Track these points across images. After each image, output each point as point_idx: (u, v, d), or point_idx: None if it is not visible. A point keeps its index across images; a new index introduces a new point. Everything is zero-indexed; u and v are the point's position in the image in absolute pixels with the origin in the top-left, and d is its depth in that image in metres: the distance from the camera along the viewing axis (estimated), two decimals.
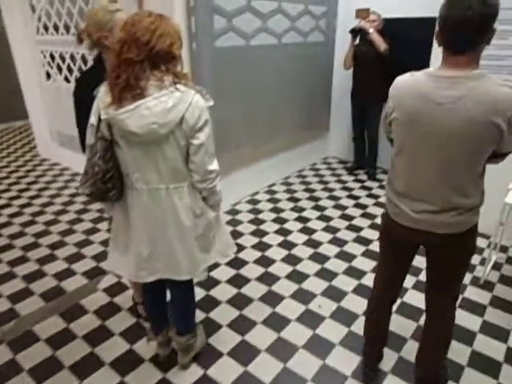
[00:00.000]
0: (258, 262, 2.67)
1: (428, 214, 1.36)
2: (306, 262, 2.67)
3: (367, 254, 2.75)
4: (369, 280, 2.46)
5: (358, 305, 2.25)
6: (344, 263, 2.65)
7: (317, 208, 3.45)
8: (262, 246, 2.85)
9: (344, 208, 3.45)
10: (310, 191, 3.79)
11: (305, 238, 2.97)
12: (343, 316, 2.17)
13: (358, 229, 3.09)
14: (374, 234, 3.00)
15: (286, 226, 3.15)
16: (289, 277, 2.51)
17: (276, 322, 2.13)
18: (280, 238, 2.95)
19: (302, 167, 4.38)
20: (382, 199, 3.61)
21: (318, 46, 3.93)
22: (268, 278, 2.50)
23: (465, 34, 1.16)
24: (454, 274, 1.49)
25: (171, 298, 1.77)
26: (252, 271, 2.56)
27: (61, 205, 3.55)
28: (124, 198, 1.50)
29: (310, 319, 2.15)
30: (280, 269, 2.59)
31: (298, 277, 2.51)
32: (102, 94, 1.33)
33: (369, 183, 3.99)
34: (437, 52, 2.86)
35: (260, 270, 2.58)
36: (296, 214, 3.33)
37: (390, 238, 1.54)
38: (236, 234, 3.00)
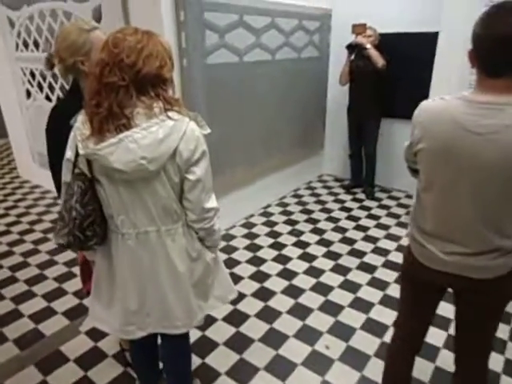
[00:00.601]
0: (256, 294, 2.46)
1: (460, 257, 1.18)
2: (308, 293, 2.47)
3: (373, 283, 2.57)
4: (377, 314, 2.27)
5: (368, 344, 2.05)
6: (349, 294, 2.45)
7: (316, 231, 3.26)
8: (260, 276, 2.64)
9: (344, 230, 3.27)
10: (307, 212, 3.61)
11: (305, 265, 2.77)
12: (353, 358, 1.97)
13: (360, 254, 2.91)
14: (377, 260, 2.82)
15: (285, 252, 2.95)
16: (291, 312, 2.30)
17: (280, 368, 1.92)
18: (279, 267, 2.75)
19: (298, 186, 4.21)
20: (383, 220, 3.45)
21: (312, 61, 3.80)
22: (268, 314, 2.28)
23: (506, 55, 1.00)
24: (488, 323, 1.31)
25: (164, 353, 1.55)
26: (251, 306, 2.35)
27: (41, 232, 3.30)
28: (107, 243, 1.29)
29: (318, 363, 1.94)
30: (281, 302, 2.38)
31: (300, 312, 2.30)
32: (80, 123, 1.13)
33: (367, 202, 3.83)
34: (439, 67, 2.75)
35: (259, 305, 2.36)
36: (294, 239, 3.14)
37: (415, 280, 1.36)
38: (232, 263, 2.79)
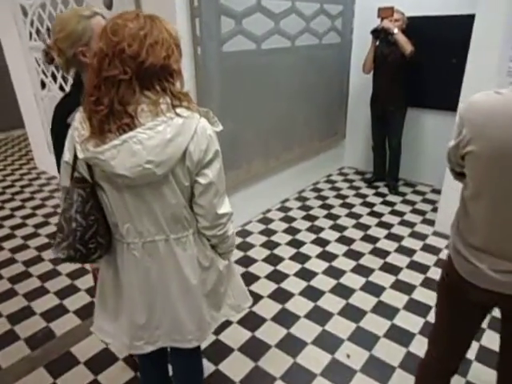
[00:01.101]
0: (273, 296, 2.34)
1: None
2: (327, 296, 2.34)
3: (397, 285, 2.42)
4: (402, 320, 2.13)
5: (393, 354, 1.92)
6: (371, 298, 2.31)
7: (336, 228, 3.11)
8: (277, 276, 2.52)
9: (366, 227, 3.11)
10: (327, 207, 3.46)
11: (325, 265, 2.64)
12: (376, 369, 1.84)
13: (383, 253, 2.75)
14: (401, 260, 2.66)
15: (303, 250, 2.82)
16: (309, 316, 2.18)
17: (298, 378, 1.81)
18: (297, 266, 2.63)
19: (317, 179, 4.05)
20: (407, 217, 3.27)
21: (333, 47, 3.60)
22: (285, 318, 2.17)
23: None
24: None
25: (174, 370, 1.45)
26: (267, 309, 2.24)
27: (55, 226, 3.26)
28: (112, 252, 1.18)
29: (338, 373, 1.83)
30: (298, 305, 2.26)
31: (319, 315, 2.18)
32: (77, 123, 1.01)
33: (391, 197, 3.64)
34: (475, 53, 2.52)
35: (276, 308, 2.25)
36: (313, 236, 3.00)
37: (457, 298, 1.20)
38: (248, 261, 2.68)
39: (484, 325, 2.02)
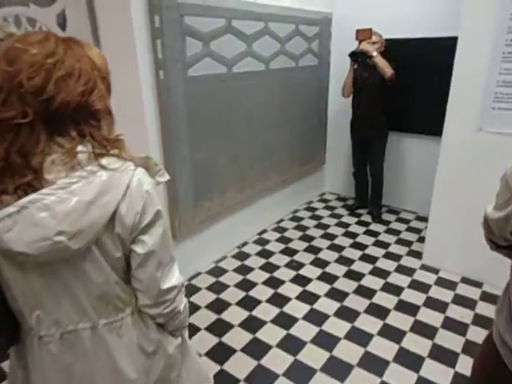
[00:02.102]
0: (247, 351, 2.06)
1: None
2: (308, 347, 2.07)
3: (385, 331, 2.17)
4: (392, 376, 1.87)
5: None
6: (358, 348, 2.06)
7: (317, 263, 2.87)
8: (252, 324, 2.25)
9: (349, 262, 2.88)
10: (307, 239, 3.22)
11: (306, 308, 2.38)
12: None
13: (369, 293, 2.52)
14: (388, 301, 2.43)
15: (282, 290, 2.56)
16: (287, 373, 1.91)
17: None
18: (275, 311, 2.36)
19: (297, 207, 3.83)
20: (392, 248, 3.06)
21: (311, 70, 3.44)
22: (263, 376, 1.89)
23: None
24: None
25: None
26: (241, 366, 1.96)
27: None
28: (21, 347, 0.90)
29: None
30: (276, 362, 1.98)
31: (300, 373, 1.91)
32: None
33: (374, 226, 3.44)
34: (459, 76, 2.38)
35: (252, 364, 1.97)
36: (293, 273, 2.75)
37: None
38: (220, 306, 2.40)
39: None
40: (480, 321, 2.24)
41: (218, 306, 2.39)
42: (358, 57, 3.14)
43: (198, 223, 2.63)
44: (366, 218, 3.61)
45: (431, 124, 3.20)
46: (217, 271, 2.77)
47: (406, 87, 3.27)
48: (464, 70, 2.36)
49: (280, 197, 3.50)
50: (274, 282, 2.64)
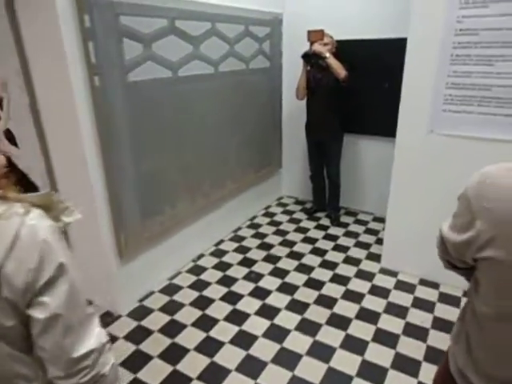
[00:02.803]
0: (205, 378, 1.90)
1: None
2: (270, 368, 1.96)
3: (347, 343, 2.10)
4: None
5: None
6: (321, 364, 1.97)
7: (276, 272, 2.77)
8: (209, 346, 2.10)
9: (309, 270, 2.80)
10: (266, 247, 3.11)
11: (266, 324, 2.26)
12: None
13: (330, 302, 2.45)
14: (350, 309, 2.37)
15: (241, 305, 2.43)
16: None
17: None
18: (234, 329, 2.22)
19: (255, 213, 3.71)
20: (351, 252, 3.03)
21: (263, 72, 3.33)
22: None
23: None
24: None
25: None
26: None
27: None
28: None
29: None
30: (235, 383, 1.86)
31: None
32: None
33: (333, 230, 3.40)
34: (409, 77, 2.35)
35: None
36: (252, 285, 2.63)
37: None
38: (174, 327, 2.23)
39: None
40: (439, 324, 2.23)
41: (172, 329, 2.22)
42: (310, 58, 3.06)
43: (148, 239, 2.43)
44: (325, 221, 3.56)
45: (386, 125, 3.18)
46: (171, 289, 2.59)
47: (360, 88, 3.24)
48: (414, 72, 2.34)
49: (237, 204, 3.36)
50: (231, 297, 2.50)
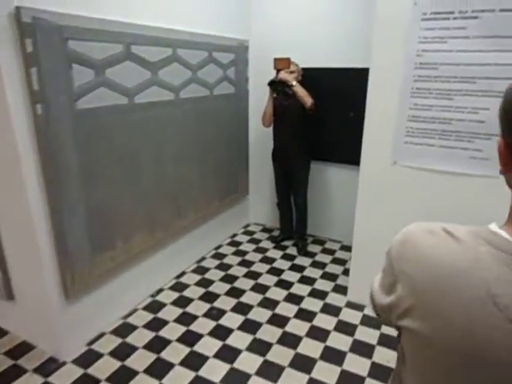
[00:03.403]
0: None
1: None
2: None
3: None
4: None
5: None
6: None
7: (239, 308, 2.62)
8: None
9: (274, 304, 2.68)
10: (229, 280, 2.97)
11: (225, 368, 2.11)
12: None
13: (294, 341, 2.32)
14: (314, 349, 2.25)
15: (199, 347, 2.26)
16: None
17: None
18: (190, 375, 2.05)
19: (220, 242, 3.58)
20: (318, 284, 2.93)
21: (228, 99, 3.26)
22: None
23: None
24: None
25: None
26: None
27: None
28: None
29: None
30: None
31: None
32: None
33: (299, 260, 3.30)
34: (372, 106, 2.33)
35: None
36: (212, 323, 2.47)
37: None
38: (125, 375, 2.04)
39: None
40: None
41: (122, 377, 2.03)
42: (276, 86, 3.02)
43: (99, 276, 2.25)
44: (292, 250, 3.47)
45: (352, 153, 3.14)
46: (124, 329, 2.40)
47: (326, 116, 3.23)
48: (376, 103, 2.32)
49: (201, 233, 3.22)
50: (190, 338, 2.33)
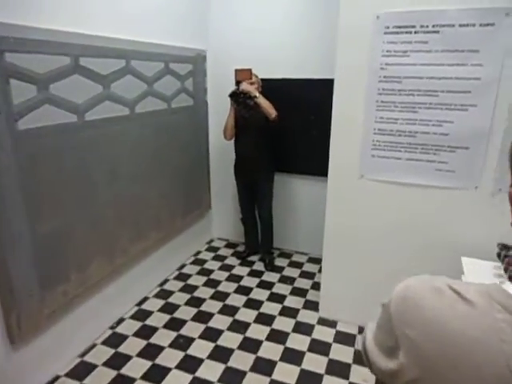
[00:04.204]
0: None
1: None
2: None
3: None
4: None
5: None
6: None
7: (208, 334, 2.47)
8: None
9: (244, 327, 2.55)
10: (195, 303, 2.80)
11: None
12: None
13: (268, 367, 2.20)
14: (290, 374, 2.15)
15: (167, 383, 2.09)
16: None
17: None
18: None
19: (184, 261, 3.40)
20: (288, 302, 2.84)
21: (186, 111, 3.11)
22: None
23: None
24: None
25: None
26: None
27: None
28: None
29: None
30: None
31: None
32: None
33: (267, 276, 3.20)
34: (339, 120, 2.29)
35: None
36: (180, 354, 2.30)
37: None
38: None
39: None
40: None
41: None
42: (238, 97, 2.92)
43: (50, 314, 2.01)
44: (259, 265, 3.36)
45: (316, 165, 3.14)
46: (81, 370, 2.16)
47: (288, 128, 3.17)
48: (342, 116, 2.29)
49: (163, 253, 3.03)
50: (155, 374, 2.14)
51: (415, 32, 2.01)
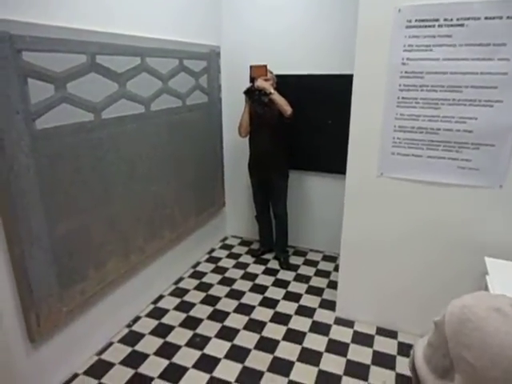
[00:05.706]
0: None
1: None
2: None
3: None
4: None
5: None
6: None
7: (224, 334, 2.45)
8: None
9: (261, 326, 2.53)
10: (211, 301, 2.79)
11: None
12: None
13: (286, 367, 2.18)
14: (307, 374, 2.13)
15: (184, 383, 2.08)
16: None
17: None
18: None
19: (198, 259, 3.39)
20: (304, 301, 2.81)
21: (200, 108, 3.08)
22: None
23: None
24: None
25: None
26: None
27: None
28: None
29: None
30: None
31: None
32: None
33: (282, 274, 3.18)
34: (357, 113, 2.24)
35: None
36: (197, 353, 2.29)
37: None
38: None
39: None
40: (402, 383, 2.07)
41: None
42: (253, 94, 2.88)
43: (68, 313, 2.02)
44: (273, 264, 3.34)
45: (332, 162, 3.10)
46: (99, 368, 2.17)
47: (304, 124, 3.13)
48: (361, 113, 2.23)
49: (177, 251, 3.02)
50: (173, 373, 2.14)
51: (439, 25, 1.94)
